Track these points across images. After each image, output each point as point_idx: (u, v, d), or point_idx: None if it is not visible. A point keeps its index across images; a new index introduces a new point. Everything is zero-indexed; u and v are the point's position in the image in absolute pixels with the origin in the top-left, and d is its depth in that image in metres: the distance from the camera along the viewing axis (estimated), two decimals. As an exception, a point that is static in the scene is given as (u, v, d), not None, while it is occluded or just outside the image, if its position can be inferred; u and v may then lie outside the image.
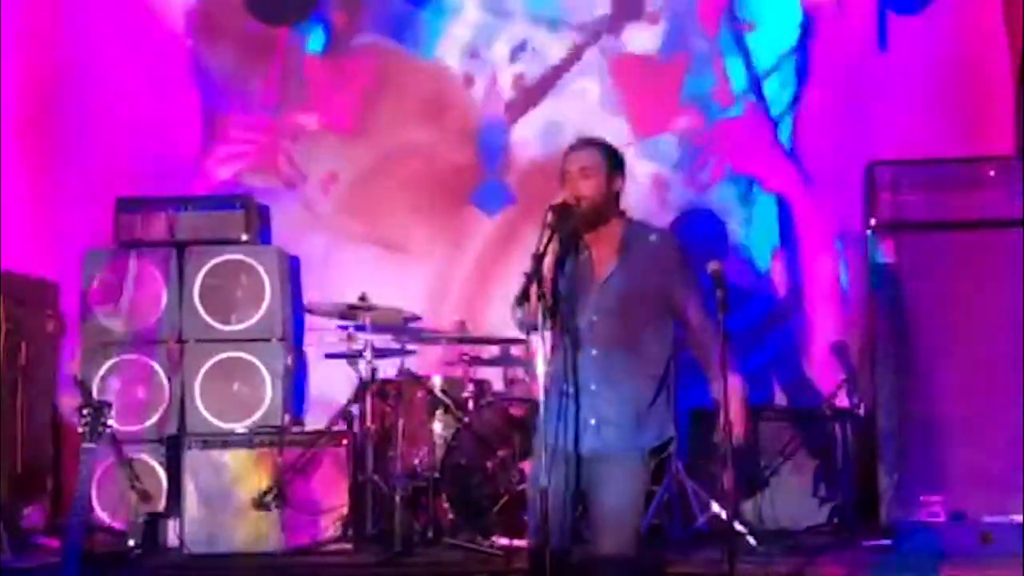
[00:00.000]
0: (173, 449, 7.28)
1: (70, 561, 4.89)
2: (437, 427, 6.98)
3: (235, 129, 8.30)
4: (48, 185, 8.28)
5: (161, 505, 7.26)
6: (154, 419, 7.47)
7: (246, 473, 6.90)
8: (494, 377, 7.49)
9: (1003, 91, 7.80)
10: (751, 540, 6.44)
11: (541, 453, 4.56)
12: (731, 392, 4.71)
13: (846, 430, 7.08)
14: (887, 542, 6.51)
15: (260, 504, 6.78)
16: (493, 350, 7.46)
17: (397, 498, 6.63)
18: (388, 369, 7.28)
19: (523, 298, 4.57)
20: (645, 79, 8.08)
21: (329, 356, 7.42)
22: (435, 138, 8.15)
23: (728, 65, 8.04)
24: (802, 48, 8.04)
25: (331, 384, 7.69)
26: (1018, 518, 6.40)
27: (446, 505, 6.79)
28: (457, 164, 8.13)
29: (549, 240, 4.61)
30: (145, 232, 7.72)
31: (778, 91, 8.05)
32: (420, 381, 7.12)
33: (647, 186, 7.91)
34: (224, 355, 7.53)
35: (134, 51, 8.26)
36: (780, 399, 7.77)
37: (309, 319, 7.89)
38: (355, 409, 7.04)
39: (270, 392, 7.49)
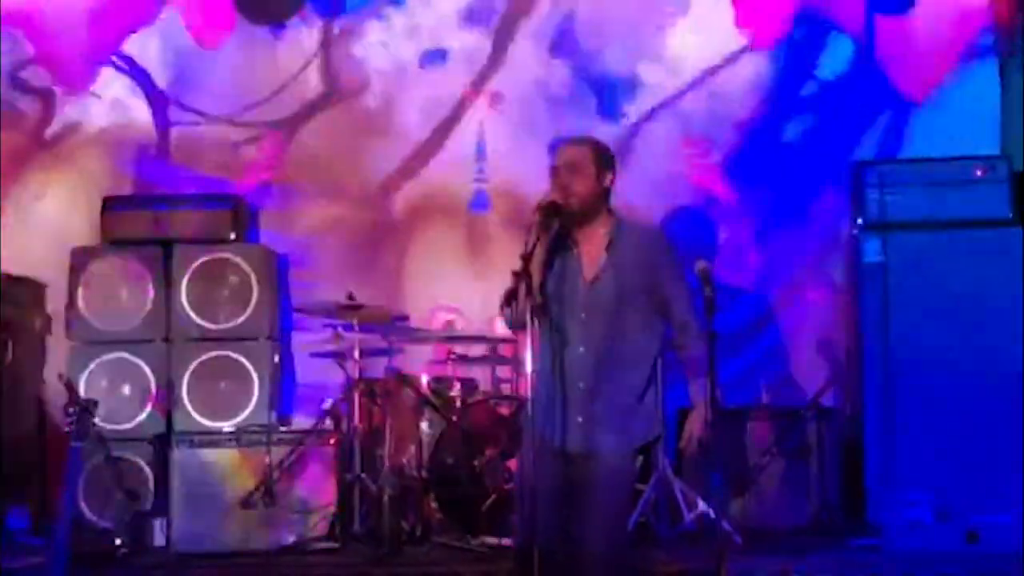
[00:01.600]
0: (160, 448, 7.26)
1: (57, 561, 4.88)
2: (424, 426, 6.97)
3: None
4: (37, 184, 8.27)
5: (148, 504, 7.25)
6: (141, 418, 7.46)
7: (233, 472, 6.88)
8: (482, 376, 7.49)
9: (989, 89, 7.83)
10: (738, 539, 6.45)
11: (528, 451, 4.57)
12: (696, 399, 4.75)
13: (833, 429, 7.09)
14: (873, 541, 6.52)
15: (247, 503, 6.77)
16: (481, 349, 7.46)
17: (385, 497, 6.62)
18: (376, 368, 7.28)
19: (512, 296, 4.57)
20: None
21: (316, 355, 7.41)
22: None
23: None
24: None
25: (319, 383, 7.68)
26: (1003, 517, 6.41)
27: (434, 504, 6.79)
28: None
29: (537, 238, 4.62)
30: (132, 230, 7.71)
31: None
32: (408, 380, 7.11)
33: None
34: (211, 354, 7.52)
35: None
36: (767, 399, 7.77)
37: (297, 318, 7.89)
38: (343, 408, 7.03)
39: (257, 391, 7.48)
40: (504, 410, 6.88)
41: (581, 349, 4.72)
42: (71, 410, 4.99)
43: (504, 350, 7.32)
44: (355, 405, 6.92)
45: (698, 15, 8.13)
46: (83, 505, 7.18)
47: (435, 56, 8.27)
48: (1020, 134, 7.54)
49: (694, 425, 4.77)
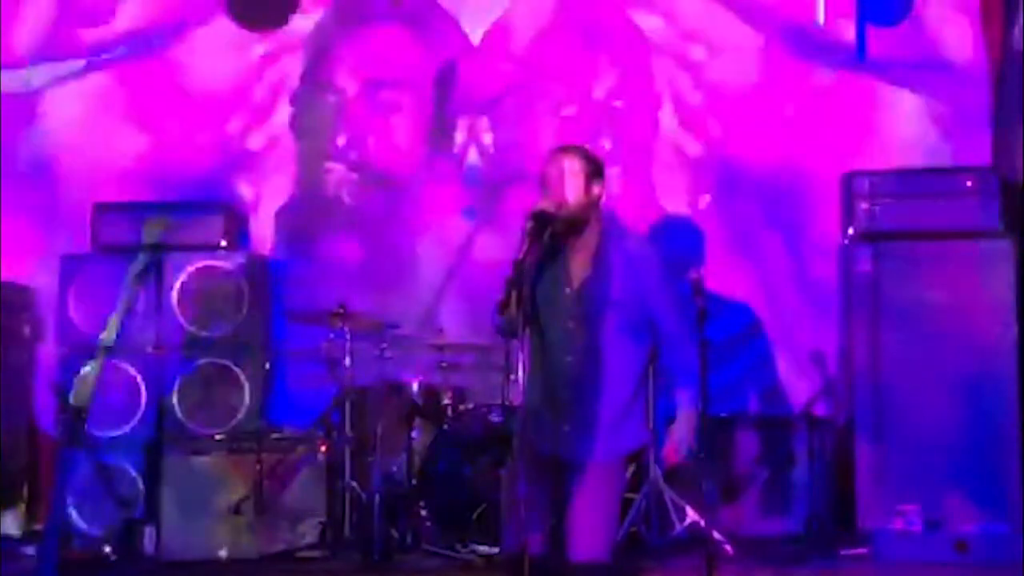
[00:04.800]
0: (151, 455, 7.26)
1: (46, 567, 4.88)
2: (415, 434, 6.97)
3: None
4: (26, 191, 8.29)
5: (138, 511, 7.24)
6: (132, 425, 7.45)
7: (224, 479, 6.88)
8: (473, 384, 7.49)
9: (980, 101, 7.85)
10: (728, 548, 6.46)
11: (517, 459, 4.57)
12: (681, 411, 4.75)
13: (823, 439, 7.10)
14: (863, 550, 6.53)
15: (237, 510, 6.77)
16: (472, 357, 7.46)
17: (375, 505, 6.62)
18: (367, 376, 7.28)
19: (504, 305, 4.58)
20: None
21: (307, 363, 7.41)
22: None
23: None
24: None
25: (309, 391, 7.68)
26: (993, 527, 6.43)
27: (424, 512, 6.79)
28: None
29: (529, 247, 4.63)
30: (123, 237, 7.71)
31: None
32: (398, 388, 7.11)
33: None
34: (202, 361, 7.51)
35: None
36: (756, 408, 7.78)
37: (288, 325, 7.90)
38: (333, 416, 7.03)
39: (248, 398, 7.47)
40: (495, 418, 6.88)
41: (568, 357, 4.73)
42: (61, 417, 4.98)
43: (495, 358, 7.32)
44: (346, 413, 6.92)
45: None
46: (73, 512, 7.15)
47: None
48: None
49: (680, 435, 4.77)
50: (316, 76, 8.38)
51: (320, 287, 7.93)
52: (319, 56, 8.39)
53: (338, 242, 8.28)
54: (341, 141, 8.35)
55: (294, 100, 8.38)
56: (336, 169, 8.34)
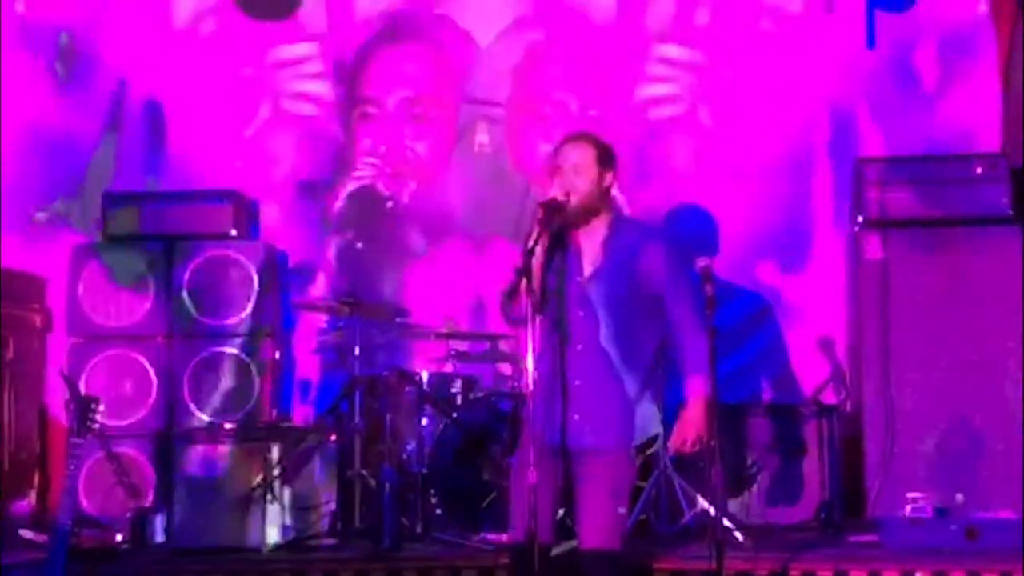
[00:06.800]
0: (161, 444, 7.27)
1: (57, 556, 4.89)
2: (425, 423, 6.98)
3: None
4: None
5: (149, 500, 7.26)
6: (142, 414, 7.47)
7: (234, 468, 6.87)
8: (483, 373, 7.50)
9: (989, 87, 7.83)
10: (738, 536, 6.46)
11: (526, 448, 4.58)
12: (690, 399, 4.75)
13: (832, 426, 7.10)
14: (873, 538, 6.53)
15: (248, 499, 6.77)
16: (482, 346, 7.47)
17: (385, 493, 6.63)
18: (376, 365, 7.29)
19: (513, 293, 4.59)
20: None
21: (318, 351, 7.42)
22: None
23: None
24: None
25: (319, 380, 7.69)
26: (1002, 514, 6.42)
27: (434, 500, 6.80)
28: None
29: (539, 236, 4.63)
30: (133, 226, 7.72)
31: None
32: (408, 377, 7.12)
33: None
34: (212, 350, 7.53)
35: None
36: (767, 395, 7.78)
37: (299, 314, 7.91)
38: (343, 405, 7.03)
39: (258, 387, 7.49)
40: (505, 407, 6.89)
41: (579, 346, 4.74)
42: (72, 406, 5.00)
43: (505, 346, 7.33)
44: (356, 402, 6.92)
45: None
46: (83, 500, 7.18)
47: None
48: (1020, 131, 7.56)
49: (690, 423, 4.77)
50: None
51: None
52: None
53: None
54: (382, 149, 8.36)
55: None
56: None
